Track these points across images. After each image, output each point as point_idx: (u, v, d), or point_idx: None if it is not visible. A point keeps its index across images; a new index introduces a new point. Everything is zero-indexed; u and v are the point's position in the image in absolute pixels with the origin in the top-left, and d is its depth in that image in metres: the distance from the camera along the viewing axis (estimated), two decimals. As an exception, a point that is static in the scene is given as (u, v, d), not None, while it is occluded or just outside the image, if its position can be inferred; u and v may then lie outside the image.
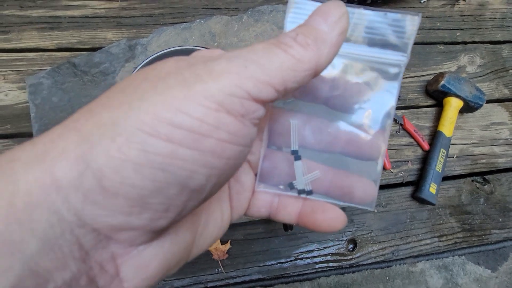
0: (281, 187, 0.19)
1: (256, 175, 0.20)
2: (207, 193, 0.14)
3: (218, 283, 0.49)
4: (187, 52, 0.51)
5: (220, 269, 0.49)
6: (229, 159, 0.14)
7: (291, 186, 0.19)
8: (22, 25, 0.54)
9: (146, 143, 0.12)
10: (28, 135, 0.49)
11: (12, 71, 0.51)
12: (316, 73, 0.15)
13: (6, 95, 0.50)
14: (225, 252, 0.50)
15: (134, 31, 0.57)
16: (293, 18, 0.17)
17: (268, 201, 0.20)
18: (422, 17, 0.69)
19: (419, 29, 0.68)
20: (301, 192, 0.19)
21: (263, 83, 0.13)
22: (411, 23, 0.17)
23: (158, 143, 0.12)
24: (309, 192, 0.19)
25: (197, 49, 0.51)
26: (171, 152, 0.12)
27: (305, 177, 0.19)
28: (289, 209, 0.19)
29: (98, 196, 0.12)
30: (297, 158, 0.19)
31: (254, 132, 0.15)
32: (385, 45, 0.17)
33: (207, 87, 0.13)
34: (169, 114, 0.12)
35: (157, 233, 0.14)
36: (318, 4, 0.16)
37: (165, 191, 0.12)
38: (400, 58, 0.18)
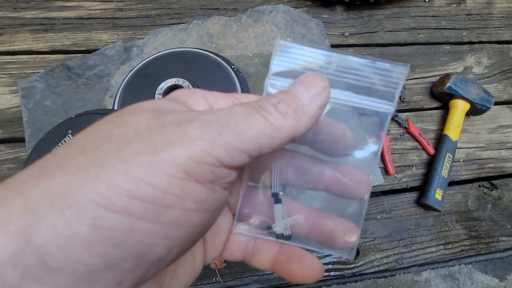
0: (259, 230, 0.19)
1: (234, 215, 0.19)
2: (170, 261, 0.13)
3: (215, 293, 0.48)
4: (184, 54, 0.49)
5: (217, 278, 0.48)
6: (195, 228, 0.13)
7: (269, 229, 0.18)
8: (15, 27, 0.52)
9: (100, 217, 0.11)
10: (20, 140, 0.48)
11: (4, 74, 0.50)
12: (292, 140, 0.14)
13: (-2, 99, 0.49)
14: (223, 260, 0.48)
15: (130, 32, 0.56)
16: (279, 61, 0.17)
17: (243, 244, 0.19)
18: (427, 16, 0.67)
19: (424, 28, 0.66)
20: (279, 237, 0.18)
21: (237, 150, 0.13)
22: (399, 73, 0.17)
23: (113, 217, 0.11)
24: (288, 238, 0.18)
25: (194, 52, 0.49)
26: (128, 227, 0.11)
27: (285, 220, 0.18)
28: (263, 254, 0.18)
29: (39, 272, 0.11)
30: (277, 201, 0.18)
31: (225, 195, 0.14)
32: (371, 92, 0.17)
33: (176, 155, 0.12)
34: (129, 185, 0.11)
35: None
36: (304, 48, 0.17)
37: (118, 266, 0.12)
38: (387, 107, 0.17)
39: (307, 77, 0.15)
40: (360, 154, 0.18)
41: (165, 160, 0.12)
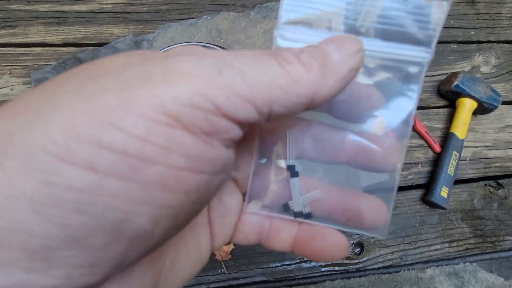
0: (275, 208, 0.16)
1: (244, 194, 0.17)
2: (158, 239, 0.10)
3: (221, 284, 0.48)
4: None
5: (223, 270, 0.48)
6: (188, 194, 0.10)
7: (286, 208, 0.16)
8: (29, 19, 0.53)
9: (53, 171, 0.08)
10: (33, 130, 0.49)
11: (18, 65, 0.51)
12: (310, 105, 0.12)
13: (11, 89, 0.50)
14: (229, 252, 0.49)
15: (141, 27, 0.57)
16: (289, 6, 0.14)
17: (257, 225, 0.17)
18: (435, 15, 0.67)
19: (432, 27, 0.66)
20: (297, 215, 0.16)
21: (241, 98, 0.10)
22: (438, 10, 0.14)
23: (72, 171, 0.08)
24: (308, 215, 0.16)
25: (204, 46, 0.50)
26: (93, 186, 0.09)
27: (303, 197, 0.16)
28: (282, 234, 0.16)
29: None
30: (294, 174, 0.16)
31: (228, 155, 0.11)
32: (403, 38, 0.14)
33: (156, 92, 0.09)
34: (92, 128, 0.09)
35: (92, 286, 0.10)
36: None
37: (84, 241, 0.09)
38: (423, 55, 0.15)
39: (339, 36, 0.13)
40: (389, 115, 0.15)
41: (142, 97, 0.09)
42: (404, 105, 0.15)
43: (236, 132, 0.11)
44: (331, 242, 0.15)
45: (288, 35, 0.14)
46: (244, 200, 0.17)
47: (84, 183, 0.08)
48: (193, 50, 0.11)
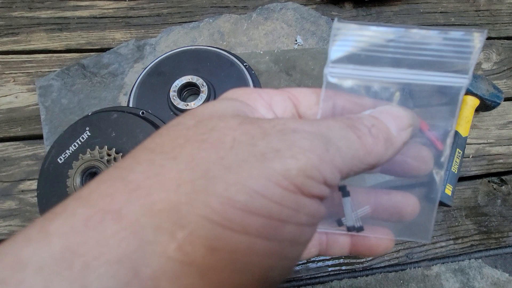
0: (331, 224, 0.18)
1: None
2: None
3: (229, 286, 0.49)
4: (197, 52, 0.50)
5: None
6: (305, 244, 0.12)
7: (339, 223, 0.17)
8: (31, 26, 0.53)
9: (216, 237, 0.09)
10: (39, 137, 0.49)
11: (21, 73, 0.51)
12: (371, 169, 0.14)
13: (16, 97, 0.50)
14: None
15: (143, 31, 0.57)
16: (338, 46, 0.15)
17: (316, 239, 0.18)
18: (436, 12, 0.67)
19: (433, 25, 0.66)
20: (350, 229, 0.17)
21: (337, 169, 0.12)
22: (476, 40, 0.15)
23: (231, 236, 0.09)
24: (360, 229, 0.17)
25: (207, 49, 0.50)
26: (247, 247, 0.10)
27: (354, 213, 0.17)
28: (340, 242, 0.18)
29: None
30: (345, 194, 0.17)
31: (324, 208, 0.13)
32: (443, 67, 0.15)
33: (287, 166, 0.10)
34: (244, 197, 0.10)
35: None
36: (364, 27, 0.15)
37: None
38: (461, 81, 0.16)
39: (395, 109, 0.15)
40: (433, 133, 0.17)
41: (277, 170, 0.10)
42: (444, 124, 0.17)
43: (328, 192, 0.13)
44: (380, 235, 0.17)
45: (337, 72, 0.16)
46: None
47: (241, 245, 0.10)
48: (295, 123, 0.12)
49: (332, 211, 0.18)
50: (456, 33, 0.15)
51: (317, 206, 0.12)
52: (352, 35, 0.15)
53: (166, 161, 0.10)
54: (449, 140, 0.17)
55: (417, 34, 0.15)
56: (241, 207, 0.10)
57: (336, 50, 0.15)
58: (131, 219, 0.09)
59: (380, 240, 0.17)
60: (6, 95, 0.50)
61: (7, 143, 0.49)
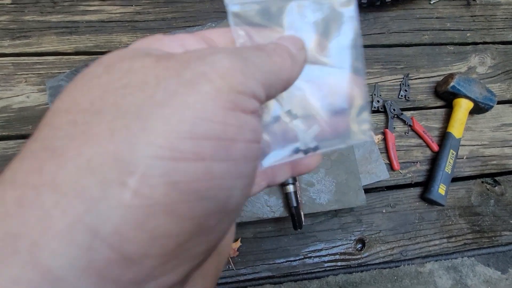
0: (286, 153, 0.17)
1: None
2: (240, 210, 0.12)
3: (229, 280, 0.50)
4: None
5: (230, 266, 0.51)
6: (255, 161, 0.12)
7: (296, 151, 0.17)
8: (42, 30, 0.56)
9: (172, 171, 0.09)
10: (48, 135, 0.51)
11: (33, 74, 0.54)
12: (286, 87, 0.14)
13: (27, 97, 0.53)
14: (236, 249, 0.51)
15: (148, 34, 0.59)
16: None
17: (263, 172, 0.18)
18: (432, 18, 0.69)
19: (429, 30, 0.68)
20: (307, 151, 0.17)
21: (261, 84, 0.12)
22: None
23: (187, 166, 0.09)
24: (316, 148, 0.17)
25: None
26: (206, 172, 0.10)
27: (306, 134, 0.17)
28: (284, 169, 0.18)
29: (119, 269, 0.08)
30: (294, 117, 0.17)
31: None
32: None
33: (217, 86, 0.10)
34: (187, 125, 0.09)
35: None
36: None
37: (206, 225, 0.10)
38: None
39: (288, 36, 0.15)
40: (335, 52, 0.17)
41: (209, 92, 0.10)
42: (346, 39, 0.17)
43: (259, 108, 0.13)
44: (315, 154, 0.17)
45: (236, 1, 0.16)
46: None
47: (199, 172, 0.09)
48: (210, 49, 0.12)
49: (285, 141, 0.17)
50: None
51: (256, 121, 0.12)
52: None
53: (90, 117, 0.09)
54: (352, 51, 0.17)
55: None
56: (188, 136, 0.09)
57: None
58: (69, 184, 0.08)
59: (313, 155, 0.17)
60: (18, 95, 0.53)
61: (19, 141, 0.51)
